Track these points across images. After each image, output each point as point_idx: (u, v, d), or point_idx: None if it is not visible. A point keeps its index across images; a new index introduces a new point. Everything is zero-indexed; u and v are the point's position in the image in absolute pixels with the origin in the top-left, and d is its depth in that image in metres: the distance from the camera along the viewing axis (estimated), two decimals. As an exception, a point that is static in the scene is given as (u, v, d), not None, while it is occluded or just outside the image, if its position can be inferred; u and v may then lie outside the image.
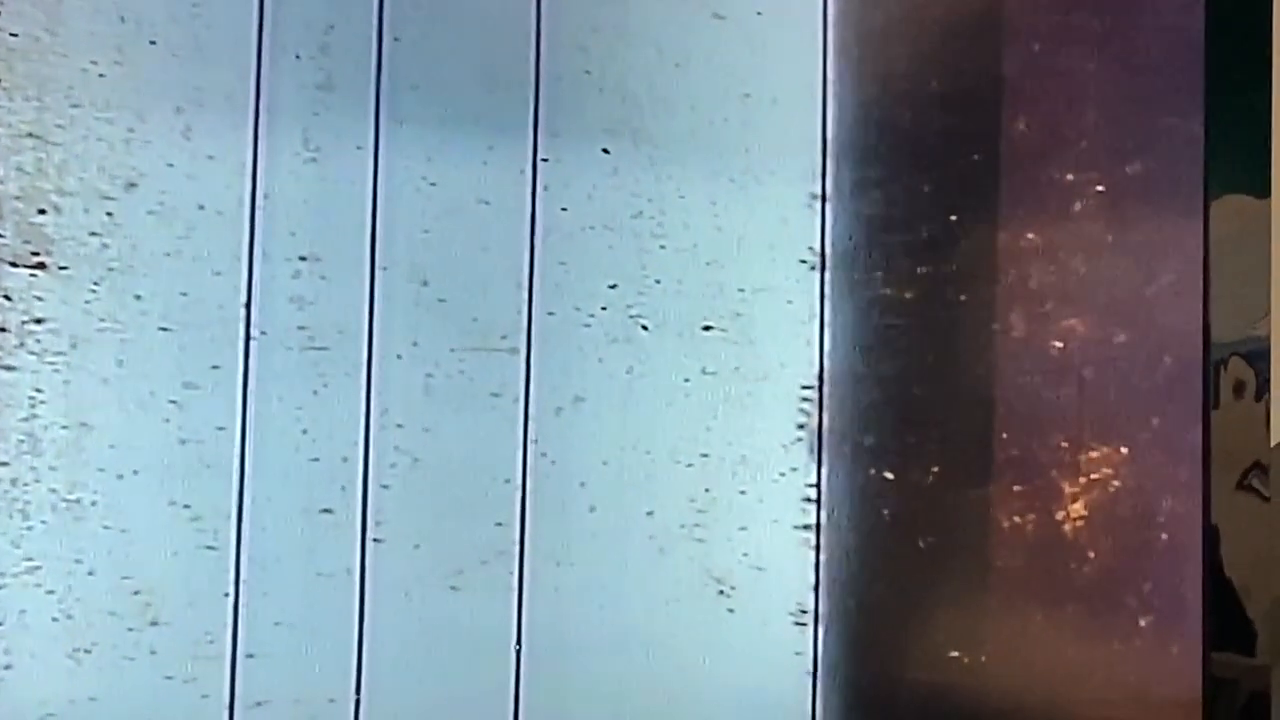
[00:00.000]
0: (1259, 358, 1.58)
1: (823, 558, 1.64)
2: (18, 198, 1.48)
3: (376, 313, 1.56)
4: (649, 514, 1.62)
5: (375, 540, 1.55)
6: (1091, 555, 1.62)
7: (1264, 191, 1.60)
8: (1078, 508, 1.62)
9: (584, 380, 1.61)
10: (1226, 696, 1.60)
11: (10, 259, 1.48)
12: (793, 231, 1.67)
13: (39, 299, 1.49)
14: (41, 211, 1.49)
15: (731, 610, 1.63)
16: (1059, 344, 1.64)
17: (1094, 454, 1.63)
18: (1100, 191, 1.64)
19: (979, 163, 1.67)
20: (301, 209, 1.55)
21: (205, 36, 1.54)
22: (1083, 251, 1.64)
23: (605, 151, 1.63)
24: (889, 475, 1.65)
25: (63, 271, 1.49)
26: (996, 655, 1.63)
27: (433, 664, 1.56)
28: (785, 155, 1.67)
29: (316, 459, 1.54)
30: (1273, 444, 1.56)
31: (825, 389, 1.66)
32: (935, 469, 1.65)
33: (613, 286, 1.63)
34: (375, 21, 1.57)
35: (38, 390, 1.48)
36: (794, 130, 1.67)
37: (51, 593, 1.47)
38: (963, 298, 1.67)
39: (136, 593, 1.49)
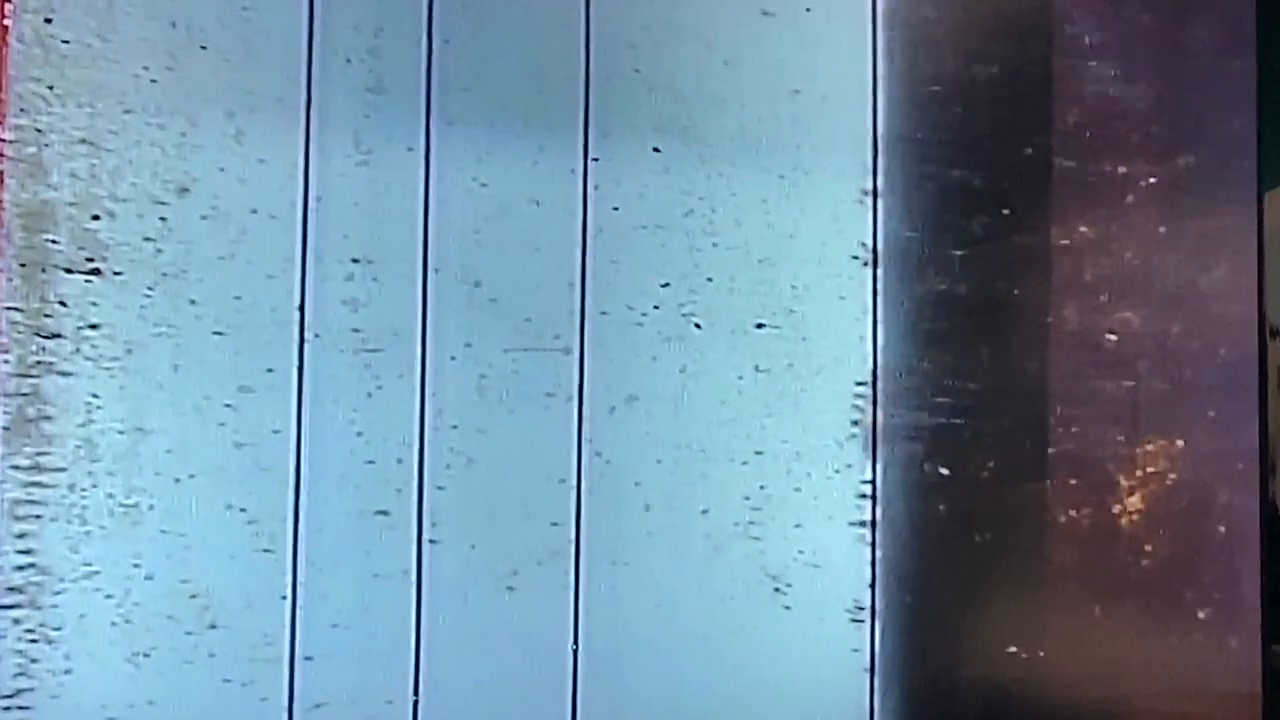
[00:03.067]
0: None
1: (879, 554, 1.64)
2: (72, 204, 1.49)
3: (429, 314, 1.56)
4: (704, 512, 1.62)
5: (431, 541, 1.55)
6: (1148, 549, 1.62)
7: (1319, 184, 1.60)
8: (1134, 501, 1.62)
9: (637, 379, 1.61)
10: (1286, 690, 1.59)
11: (65, 265, 1.48)
12: (844, 228, 1.67)
13: (94, 304, 1.49)
14: (95, 218, 1.49)
15: (788, 608, 1.63)
16: (1113, 337, 1.64)
17: (1150, 447, 1.62)
18: (1153, 184, 1.64)
19: (1031, 156, 1.66)
20: (353, 211, 1.56)
21: (256, 41, 1.54)
22: (1136, 244, 1.64)
23: (656, 150, 1.63)
24: (944, 470, 1.65)
25: (117, 277, 1.50)
26: (1054, 650, 1.63)
27: (490, 664, 1.56)
28: (836, 151, 1.66)
29: (371, 461, 1.55)
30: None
31: (879, 385, 1.65)
32: (990, 464, 1.65)
33: (665, 285, 1.62)
34: (425, 23, 1.57)
35: (94, 395, 1.49)
36: (844, 126, 1.67)
37: (110, 597, 1.48)
38: (1016, 292, 1.66)
39: (194, 596, 1.50)
